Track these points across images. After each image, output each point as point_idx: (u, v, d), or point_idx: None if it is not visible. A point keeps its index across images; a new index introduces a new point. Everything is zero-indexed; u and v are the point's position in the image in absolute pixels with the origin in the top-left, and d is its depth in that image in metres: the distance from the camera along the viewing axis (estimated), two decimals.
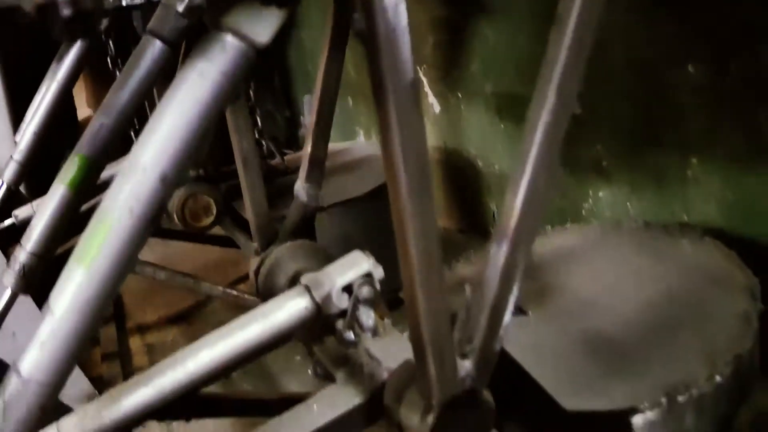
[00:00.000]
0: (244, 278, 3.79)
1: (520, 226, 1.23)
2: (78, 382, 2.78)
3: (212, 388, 2.67)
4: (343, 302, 1.53)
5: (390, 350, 1.46)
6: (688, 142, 2.41)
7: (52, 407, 1.21)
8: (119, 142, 1.62)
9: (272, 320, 1.52)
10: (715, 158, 2.32)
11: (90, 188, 1.68)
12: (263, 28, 1.12)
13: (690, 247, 2.17)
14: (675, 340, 1.76)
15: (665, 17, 2.36)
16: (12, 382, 1.16)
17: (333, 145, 3.98)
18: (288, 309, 1.53)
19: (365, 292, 1.52)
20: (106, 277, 1.13)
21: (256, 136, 3.74)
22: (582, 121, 2.78)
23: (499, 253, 1.25)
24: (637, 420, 1.55)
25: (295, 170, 2.27)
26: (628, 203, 2.73)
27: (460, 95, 3.64)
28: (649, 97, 2.52)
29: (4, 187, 2.57)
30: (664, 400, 1.55)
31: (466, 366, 1.28)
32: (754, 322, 1.76)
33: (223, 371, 1.51)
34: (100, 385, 2.91)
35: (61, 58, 2.42)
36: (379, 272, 1.52)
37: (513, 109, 3.26)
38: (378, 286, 1.52)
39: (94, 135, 1.59)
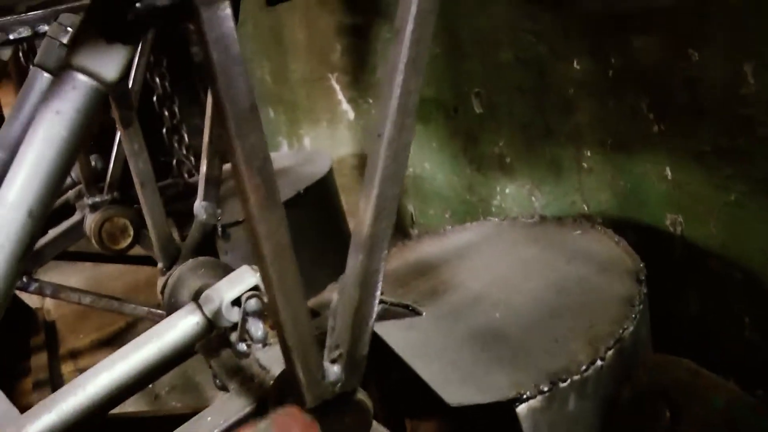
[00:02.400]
0: None
1: (374, 234, 1.29)
2: (7, 412, 2.79)
3: (141, 405, 2.72)
4: (233, 316, 1.59)
5: (278, 358, 1.50)
6: (581, 133, 2.49)
7: None
8: None
9: (166, 339, 1.59)
10: (606, 148, 2.40)
11: None
12: (111, 65, 1.18)
13: (581, 237, 2.24)
14: (559, 327, 1.82)
15: (549, 17, 2.45)
16: None
17: None
18: (181, 327, 1.59)
19: (253, 304, 1.58)
20: None
21: (183, 152, 3.78)
22: (484, 121, 2.88)
23: (356, 261, 1.31)
24: (521, 409, 1.61)
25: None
26: (532, 197, 2.81)
27: (370, 100, 3.70)
28: (542, 93, 2.60)
29: None
30: (546, 387, 1.62)
31: (335, 370, 1.34)
32: (637, 305, 1.83)
33: (126, 391, 1.57)
34: None
35: None
36: None
37: (420, 110, 3.33)
38: (266, 299, 1.58)
39: None
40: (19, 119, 1.64)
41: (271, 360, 1.54)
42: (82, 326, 3.84)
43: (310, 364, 1.29)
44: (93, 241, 3.02)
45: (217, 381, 1.75)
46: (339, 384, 1.35)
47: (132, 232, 3.04)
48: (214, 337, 1.72)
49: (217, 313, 1.58)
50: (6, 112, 5.20)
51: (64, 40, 1.41)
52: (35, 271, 3.25)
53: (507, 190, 2.93)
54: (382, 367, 2.00)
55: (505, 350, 1.78)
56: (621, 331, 1.74)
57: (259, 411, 1.50)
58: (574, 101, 2.46)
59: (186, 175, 3.72)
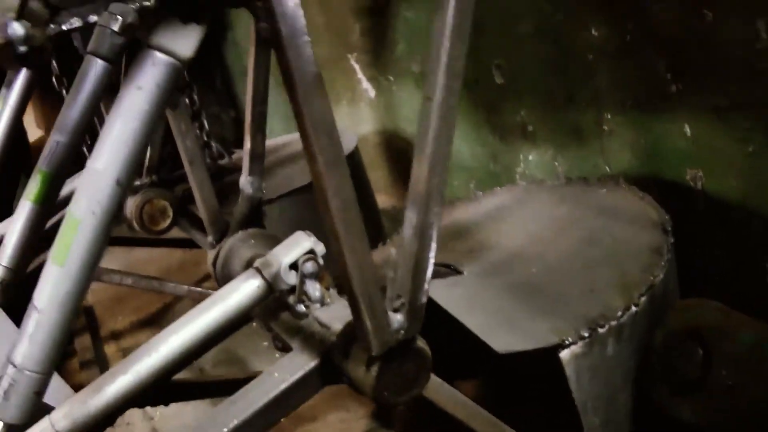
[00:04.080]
0: (208, 276, 3.89)
1: (429, 190, 1.40)
2: (61, 389, 2.89)
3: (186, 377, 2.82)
4: (291, 278, 1.70)
5: (337, 316, 1.62)
6: (601, 97, 2.58)
7: (44, 391, 1.38)
8: (74, 156, 1.76)
9: (230, 302, 1.69)
10: (626, 109, 2.50)
11: (53, 201, 1.82)
12: (186, 42, 1.31)
13: (607, 194, 2.35)
14: (594, 277, 1.93)
15: None
16: (8, 372, 1.34)
17: (278, 139, 4.12)
18: (243, 290, 1.70)
19: (309, 267, 1.69)
20: (79, 272, 1.32)
21: (205, 138, 3.86)
22: (505, 91, 2.98)
23: (413, 215, 1.42)
24: (565, 354, 1.72)
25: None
26: (555, 162, 2.91)
27: (391, 78, 3.80)
28: (561, 61, 2.69)
29: None
30: (586, 333, 1.73)
31: (398, 318, 1.45)
32: (665, 254, 1.93)
33: (193, 353, 1.67)
34: None
35: (9, 85, 2.52)
36: (320, 248, 1.69)
37: None
38: (321, 261, 1.69)
39: (52, 152, 1.73)
40: (77, 104, 1.71)
41: (330, 318, 1.64)
42: (119, 310, 3.93)
43: (377, 311, 1.40)
44: (134, 223, 3.10)
45: (278, 343, 1.86)
46: (402, 331, 1.46)
47: (171, 214, 3.14)
48: (271, 301, 1.83)
49: (276, 276, 1.68)
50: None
51: (115, 28, 1.50)
52: None
53: (530, 158, 3.03)
54: (429, 324, 2.12)
55: (545, 301, 1.90)
56: (652, 278, 1.85)
57: (324, 364, 1.60)
58: (594, 67, 2.55)
59: (212, 160, 3.81)
